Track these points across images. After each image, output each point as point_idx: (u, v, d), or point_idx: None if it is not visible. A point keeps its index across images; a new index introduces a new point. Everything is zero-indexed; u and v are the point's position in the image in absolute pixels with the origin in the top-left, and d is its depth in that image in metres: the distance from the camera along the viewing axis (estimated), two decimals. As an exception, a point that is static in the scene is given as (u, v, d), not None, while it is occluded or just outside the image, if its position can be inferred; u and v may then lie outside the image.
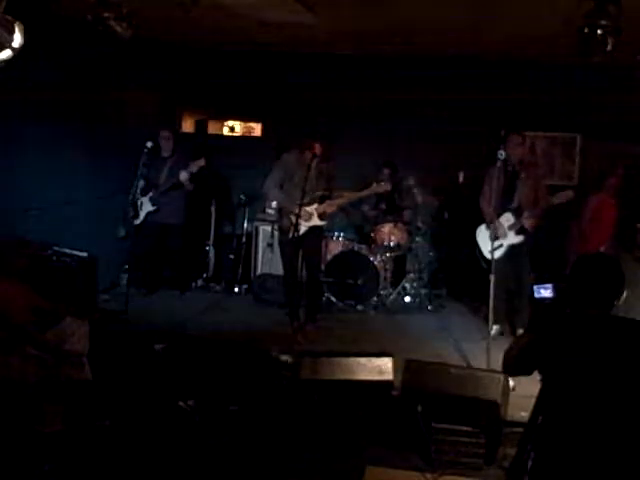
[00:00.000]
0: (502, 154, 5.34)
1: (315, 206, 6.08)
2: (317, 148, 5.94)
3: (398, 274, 7.43)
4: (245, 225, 7.88)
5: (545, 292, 2.91)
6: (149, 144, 6.52)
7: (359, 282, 7.05)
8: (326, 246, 7.02)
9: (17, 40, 4.07)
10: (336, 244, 7.22)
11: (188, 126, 9.06)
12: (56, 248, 5.75)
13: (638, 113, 6.74)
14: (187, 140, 8.25)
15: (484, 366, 4.87)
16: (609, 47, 4.57)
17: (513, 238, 5.92)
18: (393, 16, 5.82)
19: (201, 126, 9.08)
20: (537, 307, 2.95)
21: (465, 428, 4.04)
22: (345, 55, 7.53)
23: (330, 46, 7.19)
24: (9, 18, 4.06)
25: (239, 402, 4.50)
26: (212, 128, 9.11)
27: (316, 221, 6.11)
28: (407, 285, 7.32)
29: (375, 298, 7.08)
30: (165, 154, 7.28)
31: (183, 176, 7.00)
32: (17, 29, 4.05)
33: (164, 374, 4.76)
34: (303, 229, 5.97)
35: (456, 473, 3.91)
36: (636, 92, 6.55)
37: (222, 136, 9.03)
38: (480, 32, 6.11)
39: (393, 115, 7.95)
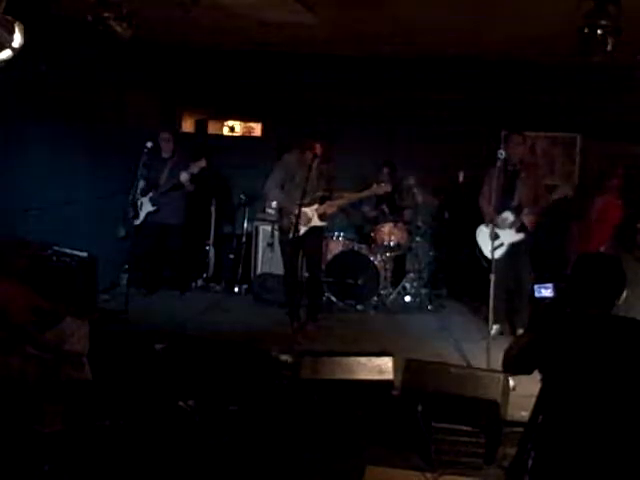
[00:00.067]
0: (502, 154, 5.34)
1: (315, 207, 6.08)
2: (318, 148, 5.94)
3: (398, 274, 7.44)
4: (245, 225, 7.88)
5: (545, 292, 2.91)
6: (149, 144, 6.52)
7: (359, 282, 7.05)
8: (326, 246, 7.02)
9: (17, 40, 4.07)
10: (336, 244, 7.22)
11: (188, 126, 9.06)
12: (56, 248, 5.75)
13: (638, 113, 6.74)
14: (187, 140, 8.24)
15: (484, 366, 4.87)
16: (609, 47, 4.57)
17: (513, 236, 5.92)
18: (393, 16, 5.82)
19: (201, 126, 9.08)
20: (537, 306, 2.95)
21: (465, 428, 4.04)
22: (345, 55, 7.53)
23: (330, 46, 7.20)
24: (9, 18, 4.06)
25: (239, 402, 4.50)
26: (212, 128, 9.11)
27: (316, 222, 6.11)
28: (407, 285, 7.32)
29: (375, 298, 7.08)
30: (165, 155, 7.27)
31: (184, 177, 7.00)
32: (17, 29, 4.06)
33: (164, 374, 4.76)
34: (303, 229, 5.98)
35: (456, 473, 3.91)
36: (636, 92, 6.55)
37: (222, 136, 9.04)
38: (480, 32, 6.11)
39: (393, 115, 7.96)
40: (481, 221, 6.09)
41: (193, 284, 7.76)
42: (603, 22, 4.51)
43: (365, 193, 6.50)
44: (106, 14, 4.93)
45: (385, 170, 7.48)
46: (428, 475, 3.84)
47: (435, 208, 7.56)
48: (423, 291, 7.32)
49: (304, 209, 5.90)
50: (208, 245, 7.97)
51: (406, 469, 3.94)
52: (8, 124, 5.87)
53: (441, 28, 6.03)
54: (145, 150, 6.49)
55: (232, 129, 9.15)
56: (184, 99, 8.74)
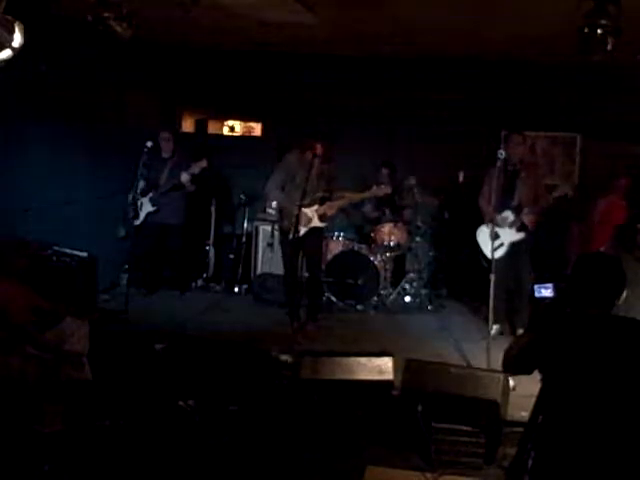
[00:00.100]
0: (502, 154, 5.34)
1: (315, 207, 6.07)
2: (318, 148, 5.94)
3: (398, 274, 7.43)
4: (245, 225, 7.88)
5: (546, 292, 2.91)
6: (149, 144, 6.51)
7: (359, 282, 7.05)
8: (326, 246, 7.02)
9: (17, 40, 4.07)
10: (336, 244, 7.22)
11: (188, 126, 9.06)
12: (56, 248, 5.75)
13: (638, 113, 6.74)
14: (187, 140, 8.24)
15: (484, 366, 4.87)
16: (609, 47, 4.58)
17: (513, 235, 5.92)
18: (393, 16, 5.82)
19: (201, 126, 9.08)
20: (537, 306, 2.95)
21: (465, 428, 4.04)
22: (345, 55, 7.53)
23: (330, 46, 7.19)
24: (9, 18, 4.06)
25: (239, 402, 4.50)
26: (212, 128, 9.11)
27: (316, 223, 6.10)
28: (407, 285, 7.32)
29: (375, 298, 7.08)
30: (165, 155, 7.27)
31: (184, 177, 7.00)
32: (17, 29, 4.06)
33: (164, 374, 4.76)
34: (303, 230, 5.97)
35: (456, 473, 3.91)
36: (636, 92, 6.56)
37: (222, 136, 9.04)
38: (480, 32, 6.11)
39: (393, 115, 7.96)
40: (481, 221, 6.09)
41: (193, 284, 7.76)
42: (603, 22, 4.51)
43: (365, 195, 6.52)
44: (106, 14, 4.93)
45: (384, 171, 7.48)
46: (428, 475, 3.84)
47: (435, 208, 7.56)
48: (423, 291, 7.31)
49: (304, 210, 5.89)
50: (208, 245, 7.97)
51: (406, 469, 3.94)
52: (8, 124, 5.87)
53: (441, 28, 6.03)
54: (145, 150, 6.48)
55: (232, 129, 9.15)
56: (184, 99, 8.74)
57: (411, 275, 7.35)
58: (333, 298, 7.06)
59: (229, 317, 6.63)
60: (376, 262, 7.09)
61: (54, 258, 5.68)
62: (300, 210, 5.77)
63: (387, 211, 7.44)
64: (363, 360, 4.60)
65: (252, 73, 8.09)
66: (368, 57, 7.58)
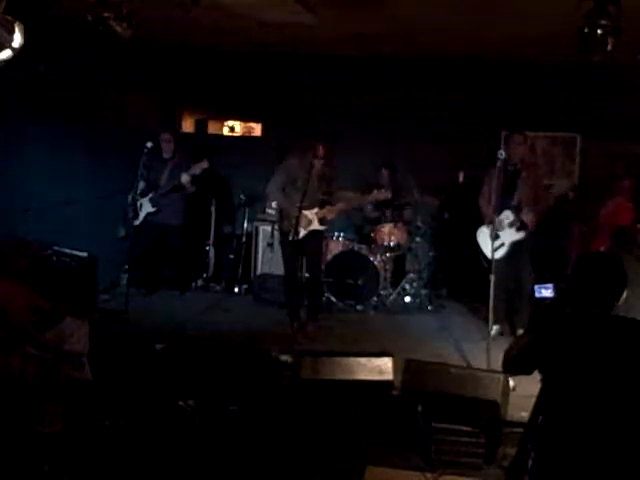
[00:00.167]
0: (502, 154, 5.34)
1: (316, 210, 6.06)
2: (320, 149, 5.93)
3: (398, 274, 7.43)
4: (245, 225, 7.88)
5: (546, 292, 2.91)
6: (149, 144, 6.50)
7: (359, 282, 7.05)
8: (326, 246, 7.01)
9: (17, 40, 4.07)
10: (336, 244, 7.22)
11: (188, 126, 9.06)
12: (56, 248, 5.75)
13: (638, 113, 6.74)
14: (187, 140, 8.24)
15: (484, 366, 4.87)
16: (609, 47, 4.58)
17: (514, 235, 5.92)
18: (393, 16, 5.82)
19: (201, 126, 9.08)
20: (537, 307, 2.95)
21: (465, 428, 4.04)
22: (345, 55, 7.54)
23: (330, 46, 7.20)
24: (9, 18, 4.06)
25: (239, 402, 4.50)
26: (212, 128, 9.11)
27: (316, 226, 6.09)
28: (407, 285, 7.32)
29: (375, 298, 7.08)
30: (166, 156, 7.26)
31: (184, 179, 6.99)
32: (17, 29, 4.06)
33: (164, 374, 4.76)
34: (303, 232, 5.97)
35: (456, 473, 3.91)
36: (636, 92, 6.56)
37: (222, 136, 9.04)
38: (480, 32, 6.11)
39: (393, 115, 7.96)
40: (481, 221, 6.08)
41: (193, 284, 7.76)
42: (603, 22, 4.51)
43: (366, 199, 6.52)
44: (106, 14, 4.93)
45: (384, 172, 7.48)
46: (428, 475, 3.84)
47: (435, 208, 7.55)
48: (423, 291, 7.31)
49: (304, 212, 5.89)
50: (208, 245, 7.96)
51: (406, 469, 3.94)
52: (8, 124, 5.87)
53: (441, 28, 6.03)
54: (145, 150, 6.47)
55: (232, 129, 9.15)
56: (184, 99, 8.74)
57: (411, 275, 7.35)
58: (333, 298, 7.06)
59: (229, 317, 6.63)
60: (376, 262, 7.09)
61: (54, 258, 5.68)
62: (300, 212, 5.77)
63: (387, 211, 7.43)
64: (363, 360, 4.61)
65: (252, 73, 8.09)
66: (368, 57, 7.58)
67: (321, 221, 6.12)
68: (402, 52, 7.26)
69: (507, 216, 5.90)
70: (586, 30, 4.57)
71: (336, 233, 7.24)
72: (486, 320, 5.36)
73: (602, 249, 5.85)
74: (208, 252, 7.94)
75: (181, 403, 4.46)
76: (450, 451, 4.01)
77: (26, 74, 5.67)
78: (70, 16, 5.66)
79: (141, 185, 6.80)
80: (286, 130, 8.07)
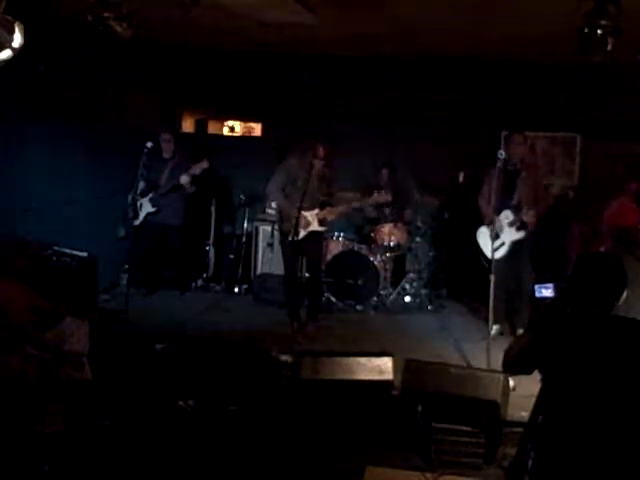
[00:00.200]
0: (502, 154, 5.34)
1: (316, 211, 6.06)
2: (320, 150, 5.92)
3: (398, 274, 7.43)
4: (245, 225, 7.88)
5: (546, 292, 2.91)
6: (149, 144, 6.50)
7: (359, 282, 7.05)
8: (326, 246, 7.01)
9: (17, 40, 4.07)
10: (336, 244, 7.22)
11: (188, 126, 9.06)
12: (56, 248, 5.75)
13: (638, 113, 6.74)
14: (187, 140, 8.24)
15: (484, 366, 4.87)
16: (609, 47, 4.58)
17: (514, 234, 5.92)
18: (393, 16, 5.83)
19: (201, 126, 9.08)
20: (537, 306, 2.95)
21: (465, 428, 4.04)
22: (345, 55, 7.54)
23: (330, 46, 7.20)
24: (9, 18, 4.06)
25: (239, 402, 4.50)
26: (212, 128, 9.11)
27: (316, 227, 6.07)
28: (407, 285, 7.32)
29: (375, 298, 7.08)
30: (166, 156, 7.26)
31: (184, 179, 7.00)
32: (17, 29, 4.06)
33: (164, 374, 4.76)
34: (303, 233, 5.96)
35: (456, 473, 3.91)
36: (636, 92, 6.55)
37: (222, 136, 9.04)
38: (480, 32, 6.12)
39: (393, 115, 7.95)
40: (481, 221, 6.09)
41: (193, 284, 7.75)
42: (603, 22, 4.51)
43: (366, 201, 6.52)
44: (106, 14, 4.94)
45: (384, 172, 7.48)
46: (428, 475, 3.84)
47: (435, 208, 7.55)
48: (423, 291, 7.31)
49: (304, 213, 5.88)
50: (208, 245, 7.96)
51: (406, 469, 3.94)
52: (8, 124, 5.87)
53: (441, 28, 6.03)
54: (145, 150, 6.47)
55: (232, 129, 9.15)
56: (184, 99, 8.74)
57: (411, 275, 7.35)
58: (333, 298, 7.06)
59: (229, 317, 6.63)
60: (376, 262, 7.08)
61: (54, 258, 5.68)
62: (300, 213, 5.77)
63: (387, 211, 7.43)
64: (363, 360, 4.61)
65: (252, 73, 8.09)
66: (368, 57, 7.58)
67: (321, 222, 6.11)
68: (402, 52, 7.27)
69: (507, 216, 5.90)
70: (586, 30, 4.57)
71: (336, 233, 7.24)
72: (486, 320, 5.36)
73: (602, 249, 5.85)
74: (208, 252, 7.94)
75: (181, 403, 4.46)
76: (450, 451, 4.01)
77: (26, 74, 5.67)
78: (70, 16, 5.66)
79: (141, 185, 6.80)
80: (286, 130, 8.07)
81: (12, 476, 3.55)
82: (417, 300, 7.27)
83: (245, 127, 9.14)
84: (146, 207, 7.09)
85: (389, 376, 4.55)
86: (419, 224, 7.34)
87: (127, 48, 5.69)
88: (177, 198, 7.20)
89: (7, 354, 3.98)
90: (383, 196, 6.39)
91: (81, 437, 3.99)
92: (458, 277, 7.70)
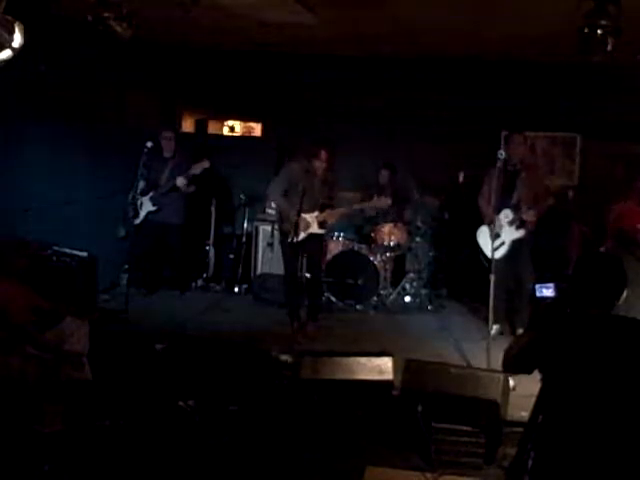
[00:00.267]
0: (502, 154, 5.34)
1: (316, 214, 6.05)
2: (323, 155, 5.91)
3: (398, 274, 7.43)
4: (245, 225, 7.87)
5: (547, 291, 2.91)
6: (149, 144, 6.51)
7: (359, 282, 7.05)
8: (326, 246, 7.01)
9: (17, 40, 4.07)
10: (336, 244, 7.22)
11: (188, 126, 9.06)
12: (56, 248, 5.75)
13: (638, 113, 6.74)
14: (187, 140, 8.24)
15: (484, 366, 4.87)
16: (609, 47, 4.58)
17: (514, 233, 5.93)
18: (393, 16, 5.82)
19: (201, 126, 9.08)
20: (538, 306, 2.95)
21: (465, 428, 4.04)
22: (345, 55, 7.54)
23: (330, 46, 7.20)
24: (9, 18, 4.06)
25: (239, 402, 4.50)
26: (212, 128, 9.11)
27: (315, 229, 6.06)
28: (407, 285, 7.32)
29: (375, 298, 7.08)
30: (167, 154, 7.25)
31: (180, 182, 7.00)
32: (17, 29, 4.05)
33: (164, 374, 4.76)
34: (302, 235, 5.95)
35: (456, 473, 3.91)
36: (636, 92, 6.55)
37: (222, 136, 9.04)
38: (480, 32, 6.12)
39: (393, 115, 7.95)
40: (481, 221, 6.09)
41: (193, 284, 7.75)
42: (603, 22, 4.51)
43: (366, 205, 6.53)
44: (106, 14, 4.94)
45: (385, 172, 7.47)
46: (428, 475, 3.84)
47: (435, 208, 7.55)
48: (423, 291, 7.31)
49: (304, 215, 5.87)
50: (208, 245, 7.96)
51: (406, 469, 3.94)
52: (8, 124, 5.87)
53: (441, 28, 6.03)
54: (145, 150, 6.48)
55: (232, 129, 9.15)
56: (184, 99, 8.74)
57: (411, 275, 7.35)
58: (333, 298, 7.06)
59: (229, 317, 6.63)
60: (376, 262, 7.09)
61: (54, 258, 5.68)
62: (299, 216, 5.76)
63: (387, 211, 7.43)
64: (363, 360, 4.61)
65: (252, 73, 8.09)
66: (368, 57, 7.58)
67: (320, 225, 6.10)
68: (402, 52, 7.27)
69: (506, 215, 5.90)
70: (586, 30, 4.57)
71: (336, 233, 7.24)
72: (486, 320, 5.36)
73: (603, 249, 5.85)
74: (208, 252, 7.94)
75: (181, 403, 4.46)
76: (450, 451, 4.01)
77: (26, 74, 5.67)
78: (70, 16, 5.66)
79: (141, 184, 6.79)
80: (286, 130, 8.08)
81: (12, 476, 3.55)
82: (417, 300, 7.27)
83: (245, 127, 9.14)
84: (147, 206, 7.09)
85: (389, 376, 4.55)
86: (419, 224, 7.34)
87: (127, 48, 5.69)
88: (178, 197, 7.20)
89: (7, 354, 3.98)
90: (383, 201, 6.41)
91: (81, 437, 3.99)
92: (458, 277, 7.70)
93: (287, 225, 5.98)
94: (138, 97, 7.73)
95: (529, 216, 5.86)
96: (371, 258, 7.09)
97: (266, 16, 5.96)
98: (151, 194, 7.08)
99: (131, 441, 4.05)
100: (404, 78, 7.72)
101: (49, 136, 6.36)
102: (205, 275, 7.86)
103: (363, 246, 7.23)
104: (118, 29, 5.01)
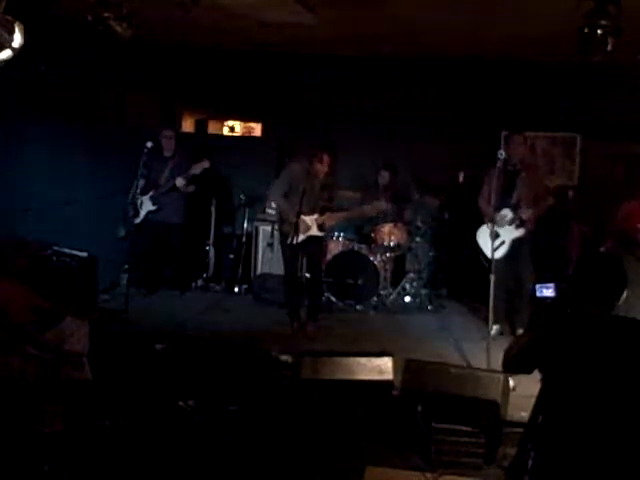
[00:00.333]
0: (502, 154, 5.34)
1: (315, 216, 6.04)
2: (325, 158, 5.91)
3: (398, 274, 7.43)
4: (245, 225, 7.87)
5: (547, 291, 2.90)
6: (149, 144, 6.51)
7: (359, 282, 7.05)
8: (326, 246, 7.01)
9: (17, 40, 4.07)
10: (336, 244, 7.22)
11: (188, 126, 9.07)
12: (56, 248, 5.75)
13: (638, 113, 6.74)
14: (187, 140, 8.24)
15: (484, 366, 4.87)
16: (609, 47, 4.58)
17: (513, 232, 5.93)
18: (393, 16, 5.82)
19: (201, 126, 9.09)
20: (538, 306, 2.95)
21: (465, 428, 4.04)
22: (345, 55, 7.54)
23: (330, 46, 7.20)
24: (9, 18, 4.06)
25: (239, 402, 4.50)
26: (212, 128, 9.11)
27: (315, 232, 6.04)
28: (407, 285, 7.32)
29: (375, 298, 7.08)
30: (167, 154, 7.25)
31: (179, 182, 7.01)
32: (17, 29, 4.05)
33: (164, 374, 4.76)
34: (302, 237, 5.94)
35: (456, 473, 3.91)
36: (636, 92, 6.55)
37: (222, 136, 9.04)
38: (480, 32, 6.11)
39: (393, 115, 7.95)
40: (481, 221, 6.09)
41: (193, 284, 7.75)
42: (603, 22, 4.51)
43: (365, 210, 6.54)
44: (106, 14, 4.94)
45: (385, 173, 7.47)
46: (428, 475, 3.84)
47: (435, 208, 7.55)
48: (423, 291, 7.31)
49: (303, 217, 5.86)
50: (208, 245, 7.96)
51: (406, 469, 3.94)
52: (8, 124, 5.87)
53: (441, 28, 6.03)
54: (145, 150, 6.48)
55: (232, 129, 9.16)
56: (184, 99, 8.74)
57: (411, 275, 7.35)
58: (333, 298, 7.06)
59: (229, 317, 6.63)
60: (376, 262, 7.09)
61: (54, 258, 5.68)
62: (299, 218, 5.76)
63: (387, 211, 7.44)
64: (363, 360, 4.61)
65: (252, 73, 8.09)
66: (368, 57, 7.58)
67: (320, 227, 6.09)
68: (402, 52, 7.26)
69: (506, 214, 5.90)
70: (586, 30, 4.57)
71: (336, 233, 7.24)
72: (486, 320, 5.36)
73: (603, 249, 5.85)
74: (208, 252, 7.94)
75: (181, 403, 4.46)
76: (450, 451, 4.01)
77: (26, 74, 5.67)
78: (70, 16, 5.66)
79: (141, 183, 6.79)
80: (286, 130, 8.08)
81: (12, 476, 3.55)
82: (417, 300, 7.27)
83: (245, 127, 9.14)
84: (147, 205, 7.09)
85: (389, 376, 4.55)
86: (419, 224, 7.34)
87: (127, 48, 5.69)
88: (178, 197, 7.20)
89: (7, 354, 3.98)
90: (383, 205, 6.43)
91: (81, 437, 3.99)
92: (458, 277, 7.70)
93: (287, 226, 5.97)
94: (138, 97, 7.73)
95: (527, 214, 5.87)
96: (371, 258, 7.09)
97: (266, 16, 5.96)
98: (151, 193, 7.08)
99: (131, 441, 4.05)
100: (404, 78, 7.72)
101: (49, 136, 6.36)
102: (205, 275, 7.86)
103: (363, 246, 7.23)
104: (118, 29, 5.00)
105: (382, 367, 4.57)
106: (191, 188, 7.18)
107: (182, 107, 8.92)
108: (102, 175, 6.93)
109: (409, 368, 4.37)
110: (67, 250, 5.78)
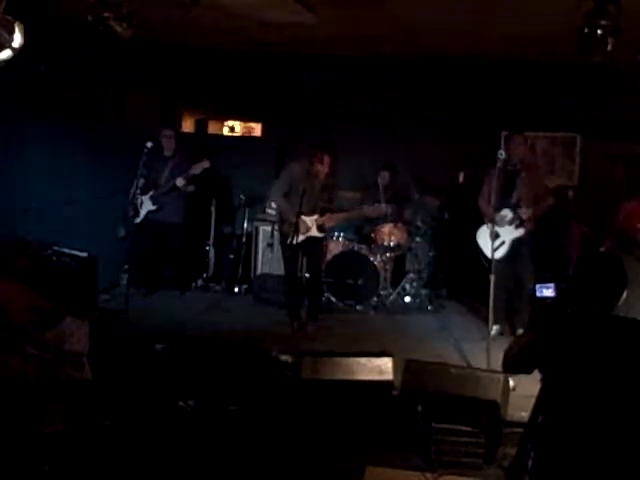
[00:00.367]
0: (502, 154, 5.34)
1: (315, 217, 6.03)
2: (326, 159, 5.90)
3: (398, 274, 7.43)
4: (245, 225, 7.87)
5: (547, 291, 2.90)
6: (149, 144, 6.51)
7: (359, 282, 7.05)
8: (326, 246, 7.01)
9: (17, 40, 4.07)
10: (336, 244, 7.22)
11: (188, 126, 9.07)
12: (56, 248, 5.75)
13: (638, 113, 6.74)
14: (187, 140, 8.24)
15: (484, 366, 4.87)
16: (609, 47, 4.58)
17: (513, 232, 5.93)
18: (393, 16, 5.82)
19: (201, 126, 9.09)
20: (538, 306, 2.95)
21: (465, 428, 4.04)
22: (345, 55, 7.54)
23: (330, 46, 7.20)
24: (9, 18, 4.06)
25: (239, 402, 4.50)
26: (212, 128, 9.12)
27: (314, 232, 6.03)
28: (407, 285, 7.32)
29: (375, 298, 7.08)
30: (167, 153, 7.25)
31: (179, 182, 7.01)
32: (17, 29, 4.05)
33: (164, 374, 4.76)
34: (301, 237, 5.94)
35: (456, 473, 3.91)
36: (636, 92, 6.55)
37: (222, 136, 9.04)
38: (480, 32, 6.11)
39: (393, 115, 7.95)
40: (481, 221, 6.09)
41: (193, 284, 7.75)
42: (603, 22, 4.51)
43: (364, 213, 6.54)
44: (106, 14, 4.93)
45: (385, 173, 7.46)
46: (428, 475, 3.84)
47: (435, 208, 7.55)
48: (423, 291, 7.31)
49: (303, 217, 5.86)
50: (208, 245, 7.96)
51: (406, 469, 3.95)
52: (8, 124, 5.87)
53: (441, 28, 6.03)
54: (145, 150, 6.48)
55: (232, 129, 9.16)
56: (184, 99, 8.75)
57: (411, 275, 7.35)
58: (333, 298, 7.05)
59: (229, 317, 6.63)
60: (376, 262, 7.08)
61: (54, 258, 5.68)
62: (299, 218, 5.76)
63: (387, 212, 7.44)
64: (363, 360, 4.61)
65: (252, 73, 8.09)
66: (368, 57, 7.58)
67: (320, 228, 6.08)
68: (402, 52, 7.26)
69: (506, 214, 5.91)
70: (586, 30, 4.57)
71: (336, 233, 7.24)
72: (486, 320, 5.36)
73: (603, 249, 5.85)
74: (208, 252, 7.94)
75: (181, 403, 4.46)
76: (450, 451, 4.01)
77: (26, 74, 5.67)
78: (70, 16, 5.66)
79: (141, 183, 6.79)
80: (286, 130, 8.08)
81: (12, 476, 3.55)
82: (417, 300, 7.27)
83: (245, 127, 9.14)
84: (147, 205, 7.09)
85: (389, 376, 4.55)
86: (419, 224, 7.34)
87: (127, 48, 5.69)
88: (178, 196, 7.20)
89: (7, 354, 3.98)
90: (383, 208, 6.47)
91: (81, 437, 3.99)
92: (458, 277, 7.70)
93: (287, 226, 5.97)
94: (138, 97, 7.73)
95: (527, 214, 5.87)
96: (371, 258, 7.09)
97: (266, 16, 5.96)
98: (151, 193, 7.08)
99: (131, 441, 4.05)
100: (404, 78, 7.72)
101: (49, 136, 6.36)
102: (205, 275, 7.86)
103: (363, 246, 7.23)
104: (118, 29, 5.00)
105: (382, 367, 4.57)
106: (191, 188, 7.18)
107: (182, 107, 8.92)
108: (102, 175, 6.93)
109: (409, 368, 4.38)
110: (67, 250, 5.78)
